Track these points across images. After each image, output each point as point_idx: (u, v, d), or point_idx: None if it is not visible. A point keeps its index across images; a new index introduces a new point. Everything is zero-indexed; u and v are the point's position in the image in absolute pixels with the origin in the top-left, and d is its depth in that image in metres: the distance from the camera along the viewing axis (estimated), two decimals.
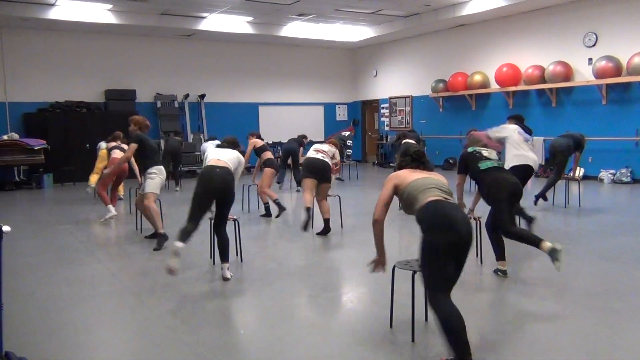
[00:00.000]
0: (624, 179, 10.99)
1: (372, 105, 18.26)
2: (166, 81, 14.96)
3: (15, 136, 12.28)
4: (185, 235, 4.56)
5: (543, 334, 3.50)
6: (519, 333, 3.54)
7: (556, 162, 8.00)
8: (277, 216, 7.78)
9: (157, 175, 6.08)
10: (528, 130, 6.84)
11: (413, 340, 3.39)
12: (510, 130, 6.39)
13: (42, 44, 13.28)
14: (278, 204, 7.71)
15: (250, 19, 13.76)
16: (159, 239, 6.13)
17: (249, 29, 14.26)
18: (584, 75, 11.63)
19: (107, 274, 5.23)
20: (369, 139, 18.60)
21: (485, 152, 4.84)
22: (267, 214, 7.98)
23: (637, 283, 4.55)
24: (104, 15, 12.45)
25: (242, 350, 3.48)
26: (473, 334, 3.51)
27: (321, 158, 6.67)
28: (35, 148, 12.14)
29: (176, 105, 14.99)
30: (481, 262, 5.18)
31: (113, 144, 8.70)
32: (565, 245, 6.02)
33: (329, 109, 18.14)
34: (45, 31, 13.20)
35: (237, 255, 5.55)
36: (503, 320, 3.83)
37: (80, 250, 6.18)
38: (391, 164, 15.56)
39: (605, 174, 11.36)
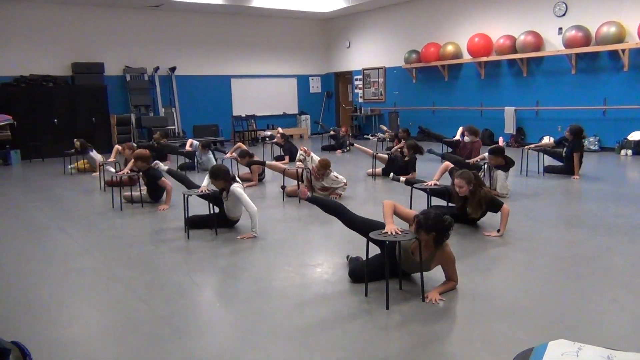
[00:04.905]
0: (591, 147, 11.21)
1: (345, 77, 18.17)
2: (135, 54, 14.59)
3: None
4: None
5: (511, 298, 3.60)
6: (488, 297, 3.63)
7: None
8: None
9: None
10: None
11: (387, 307, 3.45)
12: None
13: (3, 16, 12.79)
14: None
15: None
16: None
17: None
18: (554, 45, 11.75)
19: (79, 249, 5.17)
20: (343, 110, 18.56)
21: None
22: None
23: (600, 248, 4.70)
24: None
25: (217, 323, 3.50)
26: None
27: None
28: (1, 124, 11.79)
29: (146, 78, 14.67)
30: None
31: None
32: (534, 211, 6.18)
33: (303, 81, 17.99)
34: (6, 2, 12.69)
35: (211, 228, 5.54)
36: (472, 285, 3.92)
37: (50, 227, 6.08)
38: (369, 136, 15.59)
39: None
